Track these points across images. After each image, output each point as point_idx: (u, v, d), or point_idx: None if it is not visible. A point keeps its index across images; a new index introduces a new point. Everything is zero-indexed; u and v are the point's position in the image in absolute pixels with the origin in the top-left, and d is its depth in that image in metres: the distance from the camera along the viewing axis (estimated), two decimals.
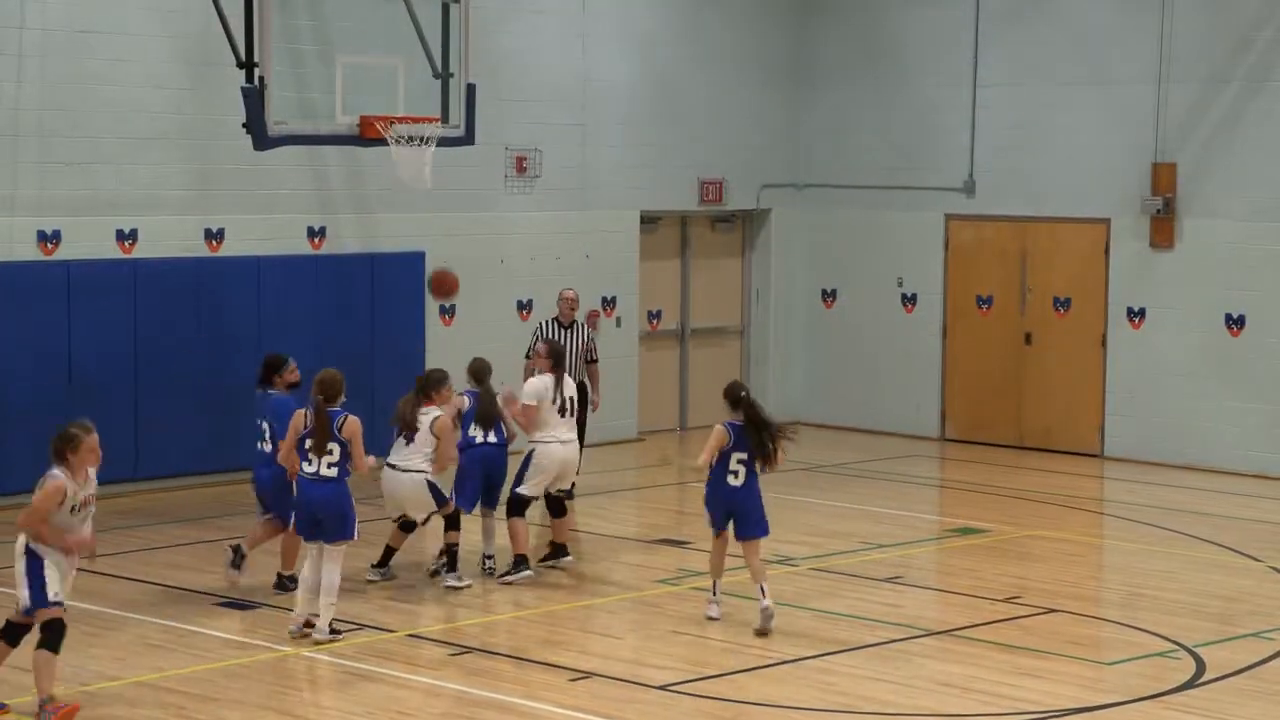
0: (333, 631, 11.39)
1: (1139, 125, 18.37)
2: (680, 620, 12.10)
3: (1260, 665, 11.22)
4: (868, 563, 13.88)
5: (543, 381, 13.18)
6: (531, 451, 13.11)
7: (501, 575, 13.05)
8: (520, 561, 13.06)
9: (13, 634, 9.89)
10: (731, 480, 11.81)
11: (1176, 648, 11.53)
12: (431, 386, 12.73)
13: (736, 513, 11.90)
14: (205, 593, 12.61)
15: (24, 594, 9.64)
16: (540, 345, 13.70)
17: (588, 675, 10.78)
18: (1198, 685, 10.79)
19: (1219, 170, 18.00)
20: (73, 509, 9.67)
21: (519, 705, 10.22)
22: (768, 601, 11.76)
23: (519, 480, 13.10)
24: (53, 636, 9.62)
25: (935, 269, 19.98)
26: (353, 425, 11.46)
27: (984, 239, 19.68)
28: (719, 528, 12.03)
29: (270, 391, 12.56)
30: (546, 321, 16.25)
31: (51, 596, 9.61)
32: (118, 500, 15.63)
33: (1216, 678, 10.92)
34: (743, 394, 11.86)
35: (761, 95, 20.48)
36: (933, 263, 19.99)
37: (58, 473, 9.64)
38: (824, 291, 20.89)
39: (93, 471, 9.84)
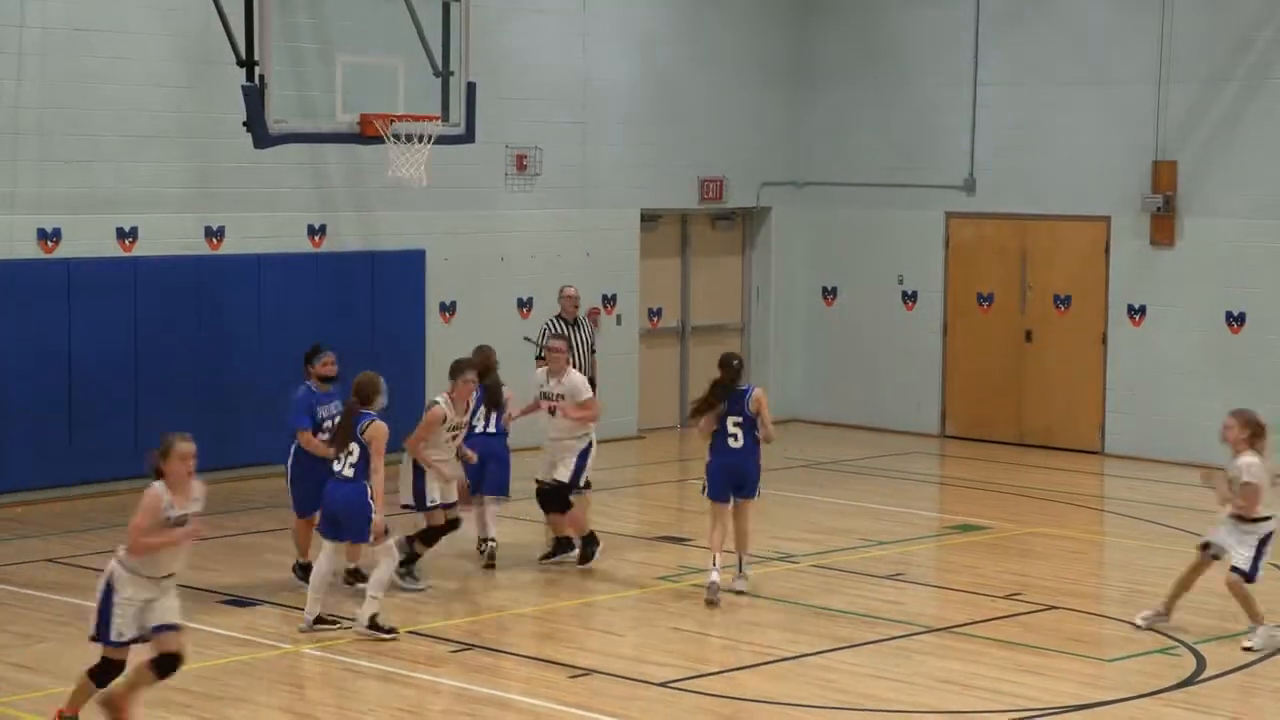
0: (373, 627, 11.30)
1: (1139, 124, 18.37)
2: (681, 617, 12.10)
3: (1260, 662, 11.23)
4: (868, 559, 13.88)
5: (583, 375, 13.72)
6: (590, 444, 13.41)
7: (582, 562, 13.25)
8: (591, 540, 13.32)
9: (163, 665, 9.31)
10: (731, 443, 12.40)
11: (1177, 644, 11.53)
12: (450, 374, 12.75)
13: (736, 477, 12.33)
14: (208, 590, 12.61)
15: (91, 622, 9.22)
16: (558, 342, 13.80)
17: (588, 672, 10.78)
18: (1198, 682, 10.79)
19: (1219, 168, 18.00)
20: (168, 521, 9.15)
21: (519, 702, 10.23)
22: (744, 585, 12.46)
23: (581, 472, 13.34)
24: (102, 672, 9.21)
25: (935, 267, 19.98)
26: (374, 430, 11.42)
27: (984, 237, 19.69)
28: (719, 497, 12.40)
29: (305, 382, 12.60)
30: (551, 320, 16.27)
31: (114, 635, 9.12)
32: (117, 499, 15.65)
33: (1217, 674, 10.93)
34: (735, 363, 12.51)
35: (761, 94, 20.48)
36: (933, 261, 19.99)
37: (155, 484, 9.22)
38: (824, 289, 20.89)
39: (198, 490, 9.35)
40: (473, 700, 10.28)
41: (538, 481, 13.54)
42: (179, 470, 9.23)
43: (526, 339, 16.38)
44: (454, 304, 18.15)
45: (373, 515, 11.36)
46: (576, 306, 16.35)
